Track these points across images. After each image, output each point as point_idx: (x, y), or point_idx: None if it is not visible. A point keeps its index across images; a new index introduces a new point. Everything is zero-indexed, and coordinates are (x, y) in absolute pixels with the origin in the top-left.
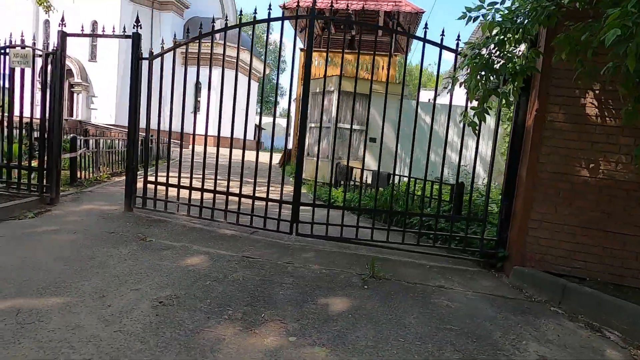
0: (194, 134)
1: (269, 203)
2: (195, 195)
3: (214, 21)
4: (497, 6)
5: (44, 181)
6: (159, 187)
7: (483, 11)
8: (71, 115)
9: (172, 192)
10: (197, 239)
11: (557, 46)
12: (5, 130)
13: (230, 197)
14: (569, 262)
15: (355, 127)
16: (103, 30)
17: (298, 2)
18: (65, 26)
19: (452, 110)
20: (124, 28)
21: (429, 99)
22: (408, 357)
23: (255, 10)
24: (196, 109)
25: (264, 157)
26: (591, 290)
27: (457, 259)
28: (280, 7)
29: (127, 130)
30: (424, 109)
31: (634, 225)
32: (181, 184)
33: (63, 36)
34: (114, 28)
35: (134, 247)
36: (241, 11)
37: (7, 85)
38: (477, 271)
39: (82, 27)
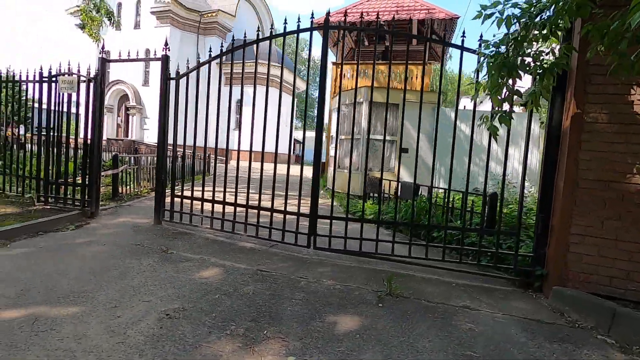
0: (216, 148)
1: (293, 216)
2: (228, 208)
3: (272, 27)
4: (516, 0)
5: (86, 196)
6: (192, 200)
7: (500, 7)
8: (126, 135)
9: (204, 205)
10: (216, 252)
11: (592, 39)
12: (49, 149)
13: (254, 211)
14: (621, 283)
15: (387, 138)
16: (137, 55)
17: (327, 18)
18: (104, 54)
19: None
20: (155, 52)
21: (464, 106)
22: None
23: (271, 25)
24: (229, 124)
25: (299, 169)
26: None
27: (488, 276)
28: (311, 21)
29: (183, 147)
30: (461, 116)
31: None
32: (205, 198)
33: (103, 62)
34: (146, 52)
35: (155, 258)
36: (272, 24)
37: (60, 109)
38: (511, 291)
39: (129, 53)
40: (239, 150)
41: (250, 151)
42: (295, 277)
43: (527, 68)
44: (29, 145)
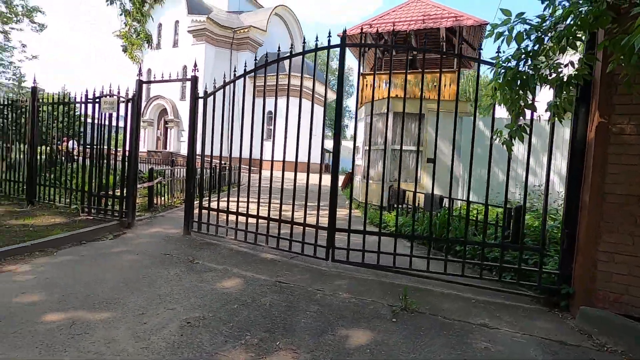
0: (240, 159)
1: (313, 228)
2: (251, 220)
3: (292, 46)
4: (525, 16)
5: (124, 207)
6: (213, 211)
7: (509, 24)
8: (165, 147)
9: (230, 216)
10: (239, 263)
11: (613, 50)
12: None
13: (274, 222)
14: None
15: (411, 148)
16: (169, 76)
17: (344, 36)
18: (141, 75)
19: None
20: (185, 72)
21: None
22: None
23: (294, 43)
24: (260, 135)
25: (326, 179)
26: None
27: (510, 293)
28: (338, 35)
29: (210, 159)
30: (488, 125)
31: None
32: (229, 210)
33: (139, 84)
34: (183, 68)
35: (181, 268)
36: (304, 39)
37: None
38: (535, 309)
39: (162, 75)
40: (261, 161)
41: (283, 161)
42: (312, 290)
43: (545, 80)
44: (78, 158)
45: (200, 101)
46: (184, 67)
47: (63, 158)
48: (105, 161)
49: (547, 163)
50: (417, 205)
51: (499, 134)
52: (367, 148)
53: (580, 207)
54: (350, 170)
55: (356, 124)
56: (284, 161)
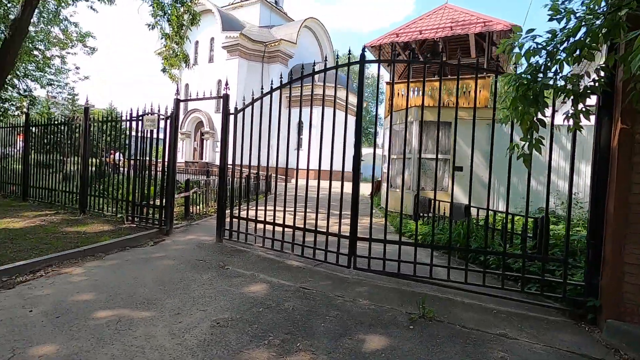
0: (267, 170)
1: (336, 237)
2: (278, 228)
3: (314, 64)
4: (535, 32)
5: (162, 216)
6: (243, 220)
7: (520, 40)
8: (201, 158)
9: (259, 224)
10: (266, 269)
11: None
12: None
13: (300, 231)
14: None
15: (437, 156)
16: (204, 94)
17: (363, 54)
18: (178, 95)
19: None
20: (219, 87)
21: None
22: None
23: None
24: (283, 146)
25: (357, 187)
26: None
27: (535, 305)
28: (364, 47)
29: (240, 169)
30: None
31: None
32: (257, 219)
33: (177, 102)
34: (218, 82)
35: (213, 273)
36: (337, 55)
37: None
38: (560, 321)
39: (197, 93)
40: (287, 170)
41: (319, 170)
42: (332, 295)
43: (562, 90)
44: (122, 169)
45: (232, 117)
46: (218, 81)
47: (110, 170)
48: (147, 172)
49: (569, 173)
50: (442, 213)
51: (516, 147)
52: (393, 156)
53: (606, 217)
54: (379, 179)
55: (391, 132)
56: (307, 170)
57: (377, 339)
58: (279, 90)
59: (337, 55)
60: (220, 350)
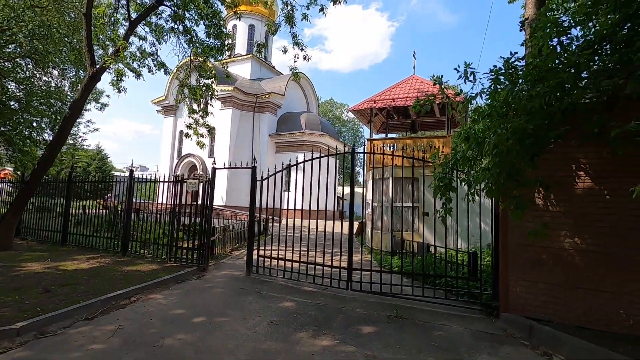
0: (265, 212)
1: (337, 269)
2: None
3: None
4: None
5: (199, 256)
6: (266, 258)
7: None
8: (195, 200)
9: (275, 260)
10: (289, 292)
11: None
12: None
13: (309, 265)
14: (542, 310)
15: (409, 204)
16: (237, 164)
17: (353, 148)
18: (215, 164)
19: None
20: (247, 163)
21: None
22: (398, 356)
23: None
24: (286, 188)
25: (344, 226)
26: (549, 329)
27: (465, 308)
28: (348, 109)
29: (248, 215)
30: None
31: (597, 285)
32: (279, 257)
33: (213, 170)
34: (241, 163)
35: (254, 296)
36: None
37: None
38: (478, 317)
39: (229, 164)
40: (287, 211)
41: (318, 211)
42: (338, 307)
43: (462, 180)
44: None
45: (258, 182)
46: (212, 129)
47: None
48: (181, 219)
49: (479, 226)
50: (412, 250)
51: (437, 212)
52: (375, 204)
53: (500, 251)
54: (362, 220)
55: (373, 183)
56: (313, 210)
57: (369, 328)
58: (270, 138)
59: (317, 98)
60: (278, 335)
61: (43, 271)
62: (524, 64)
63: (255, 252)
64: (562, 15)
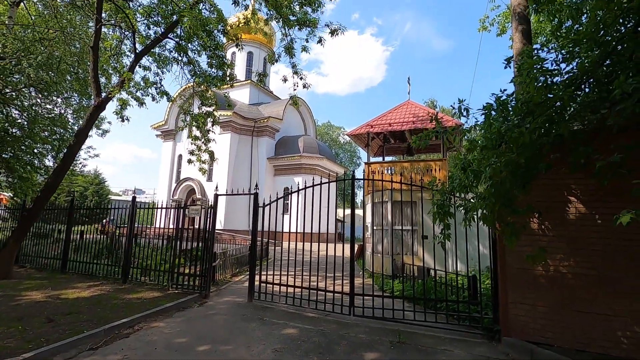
0: (267, 236)
1: (339, 294)
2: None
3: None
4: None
5: (202, 283)
6: (268, 284)
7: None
8: (193, 224)
9: (277, 286)
10: (292, 318)
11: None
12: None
13: (311, 290)
14: (542, 333)
15: (408, 227)
16: (238, 191)
17: (353, 175)
18: (217, 190)
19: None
20: (249, 189)
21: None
22: None
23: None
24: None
25: (343, 249)
26: (549, 352)
27: (467, 332)
28: (345, 134)
29: (246, 239)
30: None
31: (592, 307)
32: (281, 282)
33: (216, 196)
34: (241, 187)
35: (257, 323)
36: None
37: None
38: (480, 341)
39: (232, 190)
40: (289, 234)
41: (319, 233)
42: (341, 333)
43: (459, 205)
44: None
45: (260, 209)
46: (211, 153)
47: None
48: (183, 249)
49: (478, 250)
50: (412, 274)
51: (436, 237)
52: (375, 227)
53: (499, 275)
54: (362, 243)
55: (365, 206)
56: (313, 233)
57: (372, 354)
58: (268, 162)
59: (314, 121)
60: None
61: (45, 300)
62: (514, 98)
63: (256, 277)
64: (547, 50)
